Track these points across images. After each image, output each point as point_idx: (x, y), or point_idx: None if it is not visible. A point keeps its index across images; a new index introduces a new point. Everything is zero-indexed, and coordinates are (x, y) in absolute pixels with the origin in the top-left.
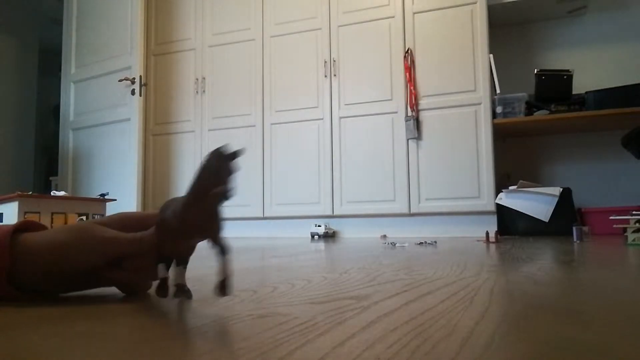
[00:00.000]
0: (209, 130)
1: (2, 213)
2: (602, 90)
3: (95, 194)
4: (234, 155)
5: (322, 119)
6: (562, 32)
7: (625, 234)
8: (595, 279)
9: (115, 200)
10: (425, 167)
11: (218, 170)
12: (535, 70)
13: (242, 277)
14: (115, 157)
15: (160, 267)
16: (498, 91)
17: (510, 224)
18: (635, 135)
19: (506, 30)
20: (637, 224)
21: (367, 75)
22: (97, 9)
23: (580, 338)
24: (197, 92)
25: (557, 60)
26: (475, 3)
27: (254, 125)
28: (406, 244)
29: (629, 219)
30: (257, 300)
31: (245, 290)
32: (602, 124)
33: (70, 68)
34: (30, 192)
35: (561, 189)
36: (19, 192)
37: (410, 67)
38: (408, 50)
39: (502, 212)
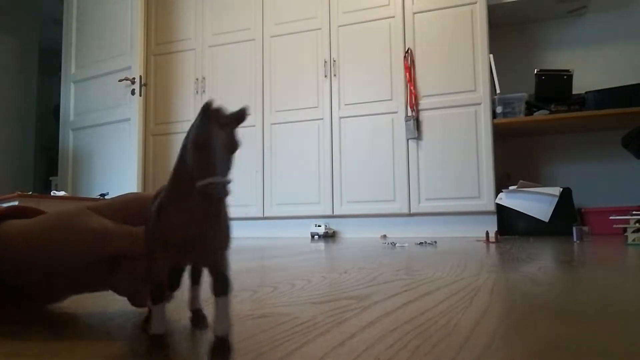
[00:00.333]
0: None
1: None
2: (602, 90)
3: (95, 194)
4: (238, 117)
5: (322, 119)
6: (562, 32)
7: (625, 234)
8: (595, 279)
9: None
10: (425, 167)
11: (209, 144)
12: (535, 70)
13: (242, 277)
14: (115, 157)
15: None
16: (498, 91)
17: (510, 224)
18: (635, 135)
19: (506, 30)
20: (637, 224)
21: (367, 75)
22: (97, 9)
23: (580, 338)
24: (197, 92)
25: (557, 60)
26: (475, 3)
27: (254, 125)
28: (406, 244)
29: (629, 219)
30: (257, 300)
31: (245, 290)
32: (602, 124)
33: (70, 68)
34: (30, 192)
35: (561, 189)
36: (19, 192)
37: (410, 67)
38: (408, 50)
39: (502, 212)
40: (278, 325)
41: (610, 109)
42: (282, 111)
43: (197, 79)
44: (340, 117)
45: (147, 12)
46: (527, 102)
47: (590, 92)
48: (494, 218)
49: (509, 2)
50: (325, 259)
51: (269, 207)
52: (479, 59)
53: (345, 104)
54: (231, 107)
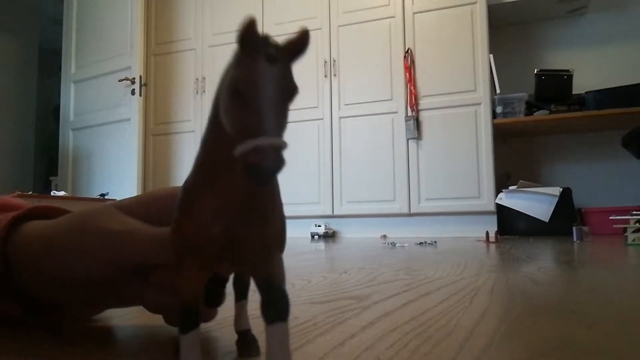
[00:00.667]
0: None
1: None
2: (602, 90)
3: (95, 194)
4: (297, 45)
5: (322, 119)
6: (562, 32)
7: (625, 234)
8: (595, 279)
9: (115, 200)
10: (425, 167)
11: (253, 87)
12: (535, 70)
13: None
14: (115, 157)
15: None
16: (498, 91)
17: (510, 224)
18: (635, 135)
19: (506, 30)
20: (637, 224)
21: (367, 75)
22: (97, 9)
23: (580, 338)
24: (197, 92)
25: (557, 60)
26: (475, 3)
27: None
28: (406, 244)
29: (629, 219)
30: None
31: None
32: (602, 124)
33: (70, 68)
34: (30, 192)
35: (561, 189)
36: (19, 192)
37: (410, 67)
38: (408, 50)
39: (502, 212)
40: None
41: (610, 109)
42: None
43: (197, 79)
44: (340, 117)
45: (147, 12)
46: (527, 102)
47: (590, 92)
48: (494, 218)
49: (509, 2)
50: (325, 259)
51: None
52: (479, 59)
53: (345, 104)
54: None
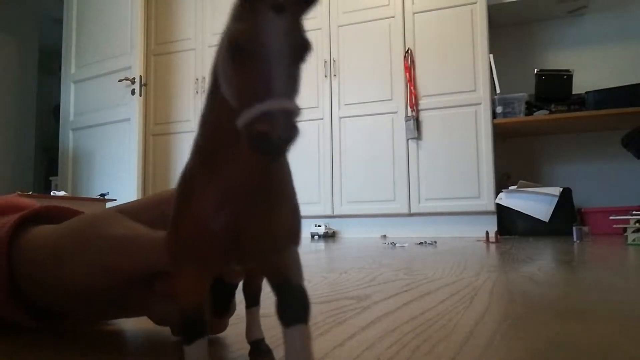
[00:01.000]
0: None
1: None
2: (602, 90)
3: (95, 194)
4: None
5: (322, 119)
6: (562, 32)
7: (625, 234)
8: (595, 279)
9: (115, 200)
10: (425, 167)
11: (257, 43)
12: (535, 70)
13: None
14: (115, 157)
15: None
16: (498, 91)
17: (510, 224)
18: (636, 135)
19: (506, 30)
20: (637, 224)
21: (367, 75)
22: (97, 9)
23: (580, 338)
24: (197, 92)
25: (557, 60)
26: (475, 3)
27: None
28: (406, 244)
29: (629, 219)
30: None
31: None
32: (602, 124)
33: (70, 68)
34: (30, 192)
35: (561, 189)
36: (19, 192)
37: (410, 67)
38: (408, 50)
39: (502, 212)
40: (278, 325)
41: (610, 109)
42: None
43: (197, 79)
44: (340, 117)
45: (147, 12)
46: (527, 102)
47: (590, 92)
48: (494, 218)
49: (509, 2)
50: (325, 259)
51: None
52: (479, 59)
53: (345, 104)
54: None
